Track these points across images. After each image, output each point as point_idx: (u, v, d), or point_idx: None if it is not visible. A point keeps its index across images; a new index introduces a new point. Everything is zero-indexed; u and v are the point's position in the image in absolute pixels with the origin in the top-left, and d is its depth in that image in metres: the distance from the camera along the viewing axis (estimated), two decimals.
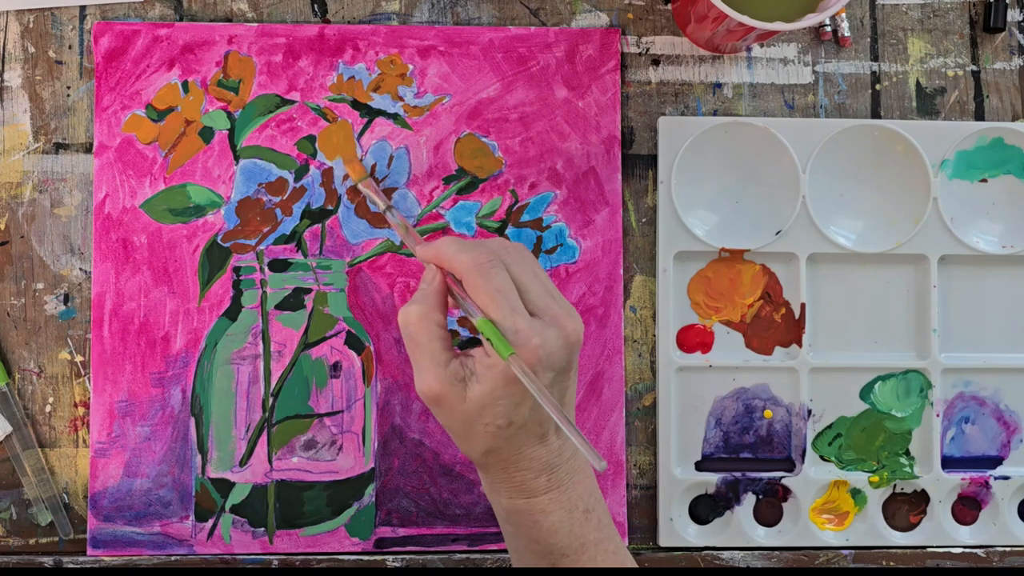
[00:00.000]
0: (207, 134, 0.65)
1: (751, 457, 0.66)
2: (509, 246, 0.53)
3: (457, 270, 0.52)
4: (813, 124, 0.66)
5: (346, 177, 0.65)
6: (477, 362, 0.51)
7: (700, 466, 0.66)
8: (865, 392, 0.67)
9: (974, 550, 0.66)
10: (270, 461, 0.64)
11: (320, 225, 0.65)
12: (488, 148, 0.66)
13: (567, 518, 0.53)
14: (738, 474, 0.66)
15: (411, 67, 0.66)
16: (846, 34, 0.68)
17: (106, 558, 0.63)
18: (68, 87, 0.65)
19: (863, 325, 0.67)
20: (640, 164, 0.67)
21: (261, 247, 0.65)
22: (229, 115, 0.65)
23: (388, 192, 0.65)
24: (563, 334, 0.51)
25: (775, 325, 0.67)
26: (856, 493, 0.66)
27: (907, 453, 0.67)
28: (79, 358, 0.65)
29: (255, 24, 0.66)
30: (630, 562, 0.55)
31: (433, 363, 0.51)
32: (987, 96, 0.68)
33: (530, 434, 0.52)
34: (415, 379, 0.52)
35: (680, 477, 0.65)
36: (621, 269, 0.66)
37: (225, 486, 0.64)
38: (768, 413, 0.66)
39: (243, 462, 0.64)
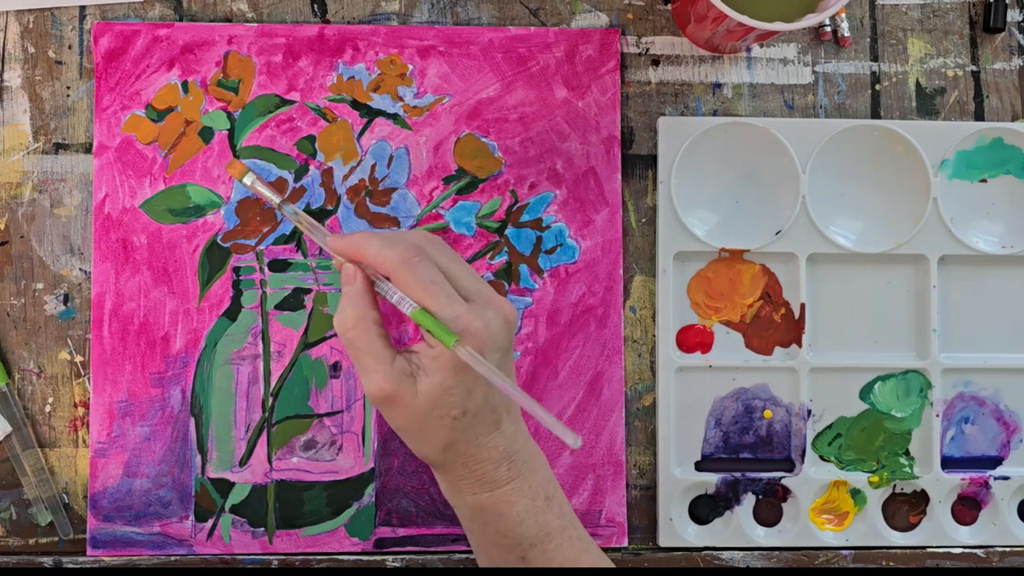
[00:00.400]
0: (207, 134, 0.65)
1: (751, 457, 0.66)
2: (428, 236, 0.53)
3: (383, 267, 0.51)
4: (813, 124, 0.66)
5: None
6: (421, 355, 0.50)
7: (700, 466, 0.66)
8: (865, 392, 0.67)
9: (974, 550, 0.66)
10: (270, 461, 0.64)
11: None
12: (488, 148, 0.66)
13: (531, 507, 0.53)
14: (738, 474, 0.66)
15: (411, 67, 0.66)
16: (846, 34, 0.68)
17: (106, 558, 0.63)
18: (68, 87, 0.65)
19: (863, 325, 0.67)
20: (640, 164, 0.67)
21: (261, 247, 0.65)
22: (229, 115, 0.65)
23: (388, 192, 0.65)
24: (501, 313, 0.51)
25: (775, 325, 0.67)
26: (856, 493, 0.66)
27: (907, 453, 0.67)
28: (79, 358, 0.65)
29: (255, 24, 0.66)
30: (594, 548, 0.55)
31: (379, 363, 0.50)
32: (987, 96, 0.68)
33: (484, 422, 0.52)
34: (363, 383, 0.51)
35: (680, 477, 0.65)
36: (621, 269, 0.66)
37: (225, 486, 0.64)
38: (768, 413, 0.66)
39: (243, 462, 0.64)
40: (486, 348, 0.50)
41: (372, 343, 0.51)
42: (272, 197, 0.57)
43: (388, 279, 0.52)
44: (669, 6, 0.68)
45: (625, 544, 0.65)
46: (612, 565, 0.55)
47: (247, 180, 0.57)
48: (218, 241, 0.65)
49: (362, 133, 0.66)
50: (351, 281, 0.53)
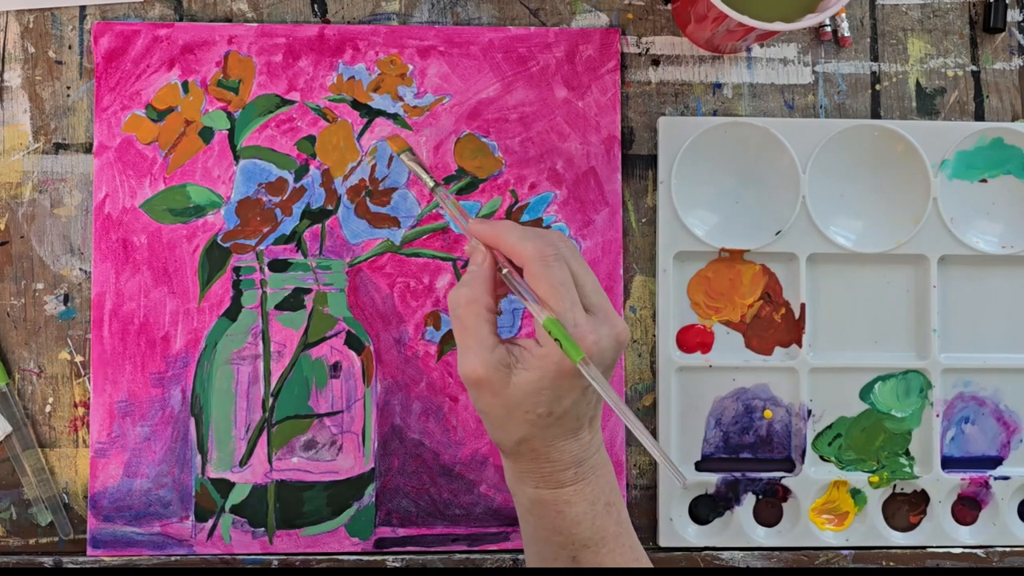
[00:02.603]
0: (207, 134, 0.65)
1: (751, 457, 0.66)
2: (566, 240, 0.54)
3: (520, 257, 0.52)
4: (813, 124, 0.66)
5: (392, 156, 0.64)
6: (527, 351, 0.51)
7: (700, 466, 0.66)
8: (865, 392, 0.67)
9: (974, 550, 0.66)
10: (270, 461, 0.64)
11: (320, 225, 0.65)
12: (488, 148, 0.66)
13: (590, 510, 0.53)
14: (738, 474, 0.66)
15: (411, 67, 0.66)
16: (846, 34, 0.68)
17: (106, 558, 0.63)
18: (68, 87, 0.65)
19: (863, 325, 0.67)
20: (640, 164, 0.67)
21: (261, 247, 0.65)
22: (229, 115, 0.65)
23: (388, 192, 0.65)
24: (614, 332, 0.51)
25: (775, 325, 0.67)
26: (856, 493, 0.66)
27: (907, 453, 0.67)
28: (79, 358, 0.65)
29: (255, 24, 0.66)
30: (645, 559, 0.55)
31: (480, 346, 0.51)
32: (987, 96, 0.68)
33: (566, 427, 0.52)
34: (459, 361, 0.52)
35: None
36: (621, 269, 0.66)
37: (225, 486, 0.64)
38: (768, 413, 0.66)
39: (243, 462, 0.64)
40: (593, 362, 0.50)
41: (479, 326, 0.51)
42: (428, 179, 0.57)
43: (519, 272, 0.52)
44: (669, 6, 0.68)
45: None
46: None
47: (405, 156, 0.58)
48: (218, 241, 0.65)
49: (362, 133, 0.66)
50: (479, 262, 0.53)
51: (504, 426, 0.52)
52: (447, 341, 0.65)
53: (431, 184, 0.57)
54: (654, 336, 0.66)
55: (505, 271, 0.53)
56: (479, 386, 0.51)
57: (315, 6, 0.66)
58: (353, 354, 0.65)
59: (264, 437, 0.64)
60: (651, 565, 0.55)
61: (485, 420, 0.53)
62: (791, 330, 0.67)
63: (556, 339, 0.50)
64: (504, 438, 0.53)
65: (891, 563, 0.66)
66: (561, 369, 0.50)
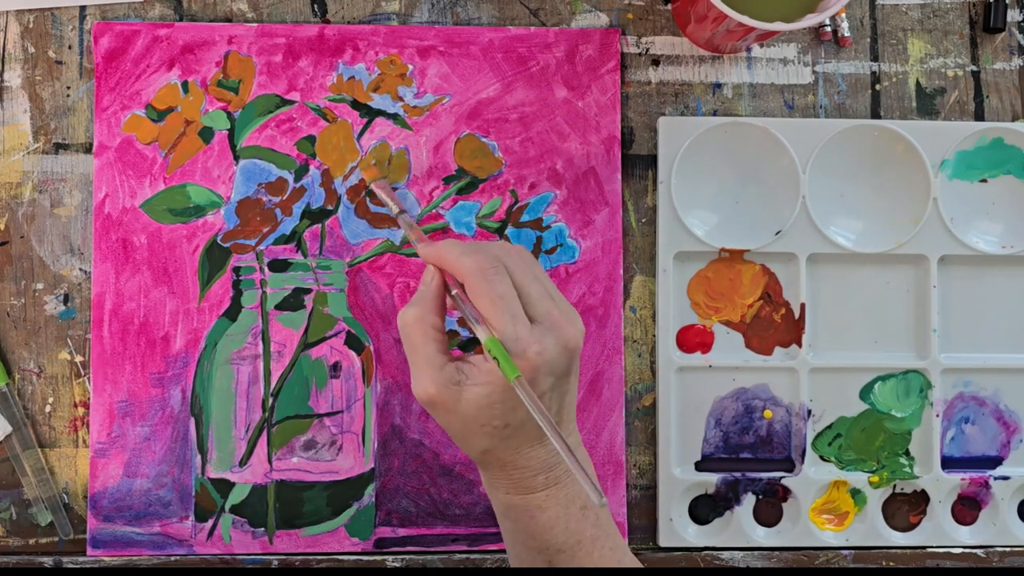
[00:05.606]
0: (207, 134, 0.65)
1: (751, 457, 0.66)
2: (511, 249, 0.54)
3: (460, 273, 0.52)
4: (813, 124, 0.66)
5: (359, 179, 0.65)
6: (475, 366, 0.51)
7: (700, 466, 0.66)
8: (865, 392, 0.67)
9: (974, 550, 0.66)
10: (270, 461, 0.64)
11: (320, 225, 0.65)
12: (488, 148, 0.66)
13: (563, 514, 0.53)
14: (738, 474, 0.66)
15: (411, 67, 0.66)
16: (846, 34, 0.68)
17: (106, 558, 0.63)
18: (68, 87, 0.65)
19: (863, 325, 0.67)
20: (640, 164, 0.67)
21: (261, 247, 0.65)
22: (229, 115, 0.65)
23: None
24: (562, 340, 0.51)
25: (775, 325, 0.67)
26: (856, 493, 0.66)
27: (907, 453, 0.67)
28: (79, 358, 0.65)
29: (255, 24, 0.66)
30: (629, 558, 0.55)
31: (428, 366, 0.51)
32: (987, 96, 0.68)
33: (528, 435, 0.52)
34: (412, 381, 0.52)
35: (680, 477, 0.65)
36: (621, 269, 0.66)
37: (225, 486, 0.64)
38: (768, 413, 0.66)
39: (243, 462, 0.64)
40: (540, 373, 0.50)
41: (425, 345, 0.51)
42: (392, 206, 0.59)
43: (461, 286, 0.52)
44: (669, 6, 0.68)
45: (625, 544, 0.65)
46: None
47: (375, 185, 0.61)
48: (218, 241, 0.65)
49: (362, 133, 0.66)
50: (427, 283, 0.54)
51: (465, 439, 0.53)
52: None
53: (395, 211, 0.59)
54: (654, 336, 0.66)
55: (454, 292, 0.53)
56: (433, 405, 0.52)
57: (315, 6, 0.66)
58: (353, 354, 0.65)
59: (264, 437, 0.64)
60: (639, 565, 0.55)
61: (449, 434, 0.54)
62: (791, 330, 0.67)
63: (494, 357, 0.49)
64: (469, 450, 0.53)
65: (891, 563, 0.66)
66: (507, 384, 0.50)
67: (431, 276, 0.54)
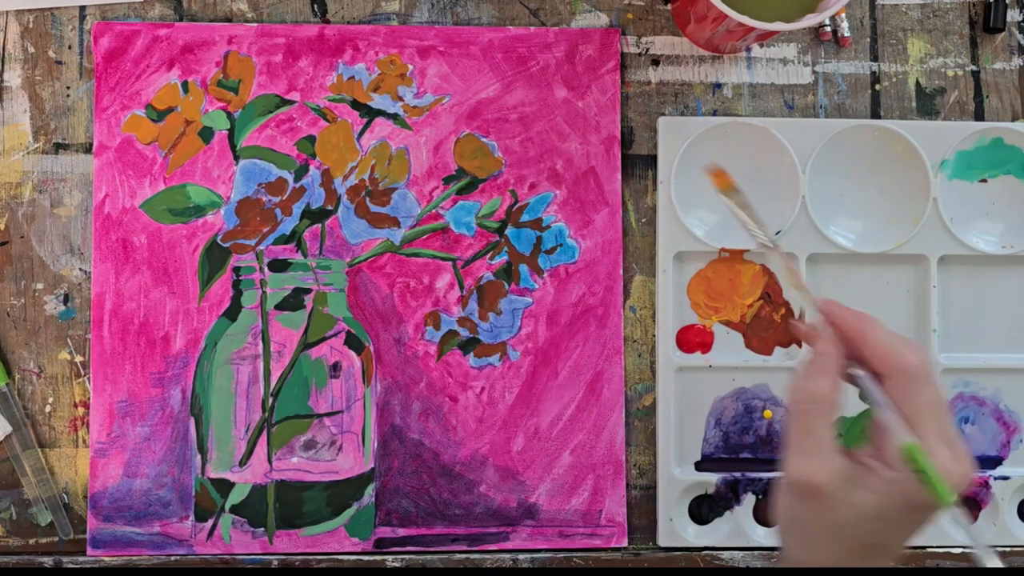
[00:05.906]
0: (207, 134, 0.65)
1: (751, 457, 0.66)
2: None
3: (889, 364, 0.46)
4: (813, 124, 0.66)
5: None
6: (872, 472, 0.45)
7: (700, 466, 0.66)
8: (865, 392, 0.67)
9: (974, 550, 0.66)
10: (270, 461, 0.64)
11: (320, 225, 0.65)
12: (488, 148, 0.66)
13: None
14: (738, 474, 0.66)
15: (411, 67, 0.66)
16: (846, 34, 0.68)
17: (106, 558, 0.63)
18: (68, 87, 0.65)
19: None
20: (640, 164, 0.67)
21: (261, 247, 0.65)
22: (229, 115, 0.65)
23: (388, 192, 0.65)
24: (966, 472, 0.45)
25: (775, 325, 0.67)
26: None
27: None
28: (79, 358, 0.65)
29: (255, 24, 0.66)
30: None
31: (820, 451, 0.45)
32: (987, 96, 0.68)
33: (882, 560, 0.46)
34: (791, 461, 0.46)
35: (680, 477, 0.65)
36: (621, 269, 0.66)
37: (225, 486, 0.64)
38: (768, 413, 0.66)
39: (243, 462, 0.64)
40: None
41: (826, 428, 0.46)
42: (759, 233, 0.53)
43: (874, 373, 0.47)
44: (669, 6, 0.68)
45: (625, 544, 0.65)
46: None
47: (730, 200, 0.54)
48: (218, 241, 0.65)
49: (362, 133, 0.66)
50: (828, 352, 0.47)
51: (814, 546, 0.46)
52: (447, 341, 0.65)
53: (763, 239, 0.52)
54: (654, 336, 0.66)
55: (863, 374, 0.47)
56: (811, 495, 0.45)
57: (315, 6, 0.66)
58: (353, 354, 0.65)
59: (264, 437, 0.64)
60: None
61: (790, 531, 0.47)
62: (791, 330, 0.67)
63: (918, 471, 0.43)
64: (805, 556, 0.46)
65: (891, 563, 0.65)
66: (911, 501, 0.44)
67: (833, 347, 0.47)
